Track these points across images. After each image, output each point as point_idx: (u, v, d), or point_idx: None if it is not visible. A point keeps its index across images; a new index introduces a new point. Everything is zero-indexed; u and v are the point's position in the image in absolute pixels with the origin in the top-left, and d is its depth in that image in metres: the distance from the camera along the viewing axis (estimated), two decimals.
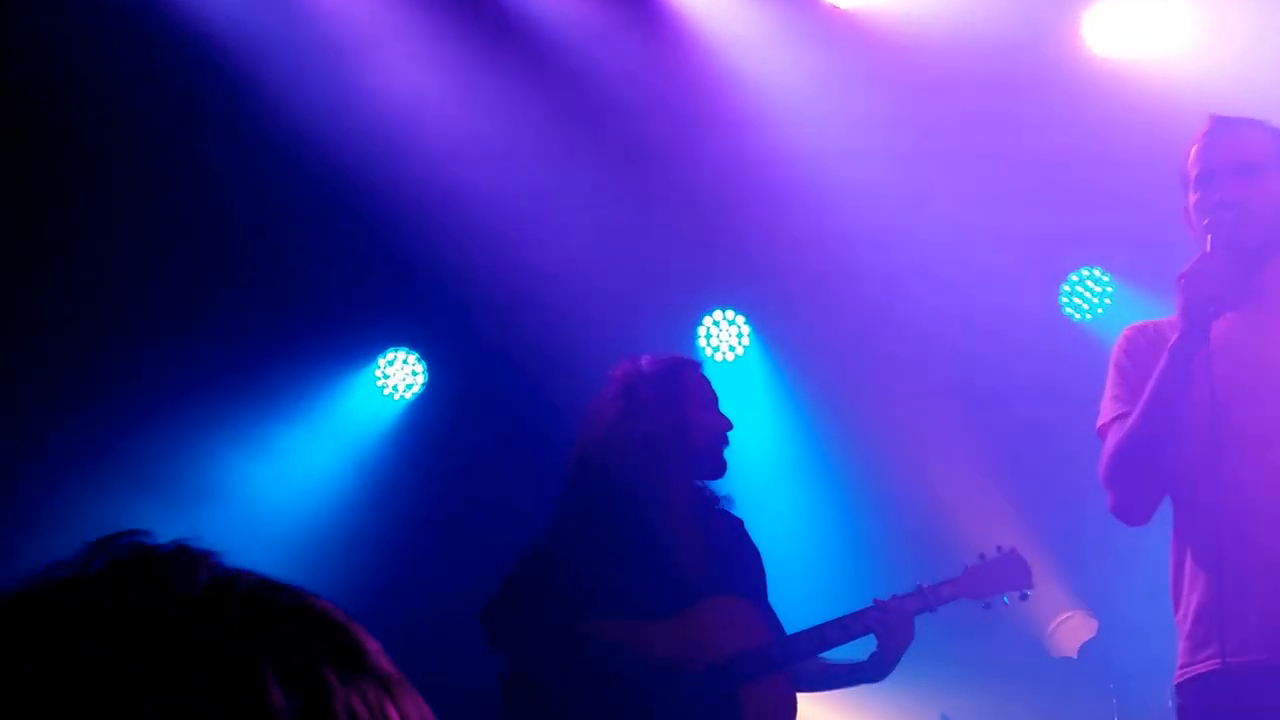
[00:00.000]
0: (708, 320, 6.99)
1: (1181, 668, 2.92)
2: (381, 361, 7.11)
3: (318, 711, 0.79)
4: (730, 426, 3.78)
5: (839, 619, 3.69)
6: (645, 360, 3.88)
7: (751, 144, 6.21)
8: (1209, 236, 2.91)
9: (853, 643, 3.75)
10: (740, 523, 3.88)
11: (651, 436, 3.69)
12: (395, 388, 7.10)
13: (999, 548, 3.86)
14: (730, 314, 7.00)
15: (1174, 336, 2.89)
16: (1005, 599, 3.80)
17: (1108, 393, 3.09)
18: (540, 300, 6.50)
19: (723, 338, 6.97)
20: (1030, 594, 3.86)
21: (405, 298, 6.84)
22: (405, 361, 7.12)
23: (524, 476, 6.56)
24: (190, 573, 0.81)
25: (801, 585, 6.04)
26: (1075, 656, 5.45)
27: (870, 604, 3.71)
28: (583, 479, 3.77)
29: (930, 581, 3.75)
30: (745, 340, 6.97)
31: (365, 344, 7.01)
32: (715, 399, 3.82)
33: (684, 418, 3.73)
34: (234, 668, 0.77)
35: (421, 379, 7.09)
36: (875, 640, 3.70)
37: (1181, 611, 2.94)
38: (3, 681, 0.73)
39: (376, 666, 0.83)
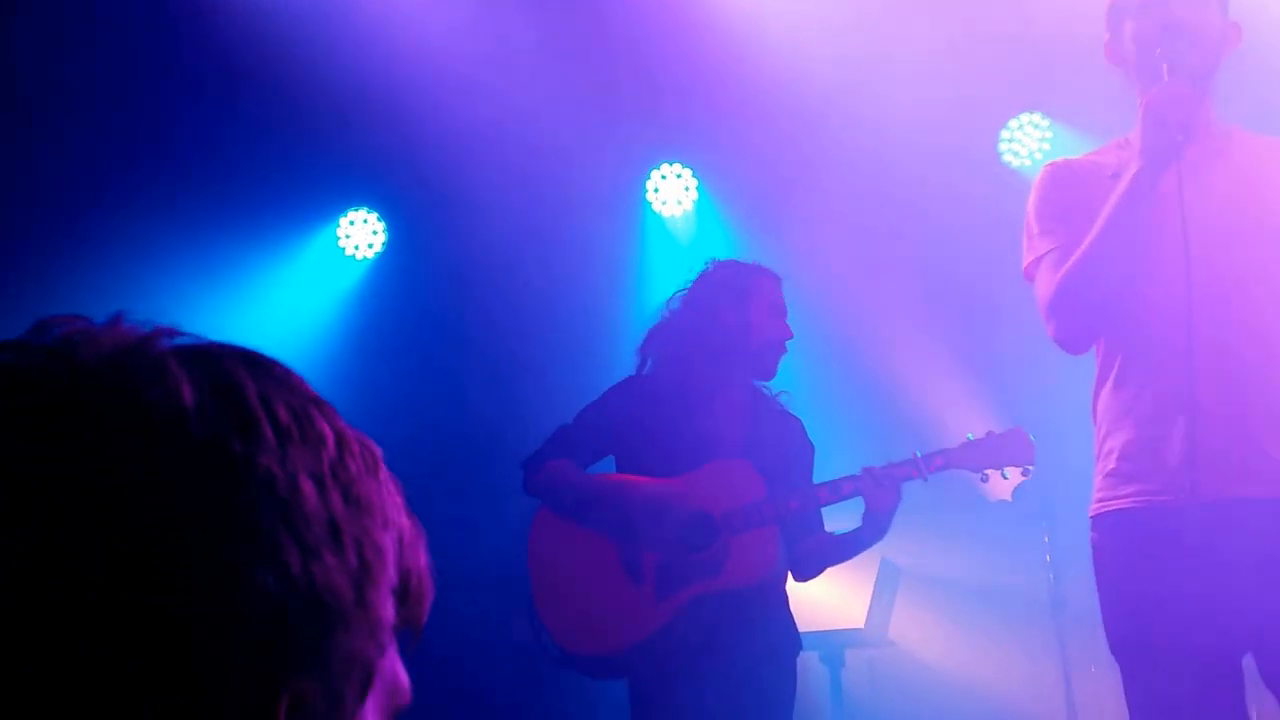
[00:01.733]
0: (656, 174, 7.01)
1: (1099, 501, 2.93)
2: (343, 221, 7.11)
3: (232, 402, 0.84)
4: (789, 337, 4.09)
5: (830, 481, 3.92)
6: (732, 264, 4.23)
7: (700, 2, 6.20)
8: (1165, 65, 2.85)
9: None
10: (799, 423, 4.19)
11: (717, 332, 4.04)
12: (356, 248, 7.13)
13: (1000, 428, 4.04)
14: (678, 168, 7.01)
15: (1136, 163, 2.82)
16: (1005, 474, 3.94)
17: (1033, 229, 3.04)
18: (493, 159, 6.52)
19: (670, 191, 7.00)
20: (1033, 470, 3.99)
21: (363, 159, 6.82)
22: (365, 221, 7.14)
23: (482, 334, 6.64)
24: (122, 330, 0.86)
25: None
26: (1010, 500, 5.59)
27: (860, 471, 3.91)
28: (654, 354, 4.15)
29: (925, 451, 3.91)
30: (693, 194, 6.99)
31: (325, 205, 7.02)
32: (784, 311, 4.13)
33: (748, 319, 4.05)
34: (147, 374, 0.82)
35: (382, 239, 7.10)
36: (864, 503, 3.90)
37: (1105, 445, 2.93)
38: None
39: (302, 388, 0.89)
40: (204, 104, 6.44)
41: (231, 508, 0.80)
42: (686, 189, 7.01)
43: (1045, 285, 2.96)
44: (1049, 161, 3.17)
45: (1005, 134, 6.63)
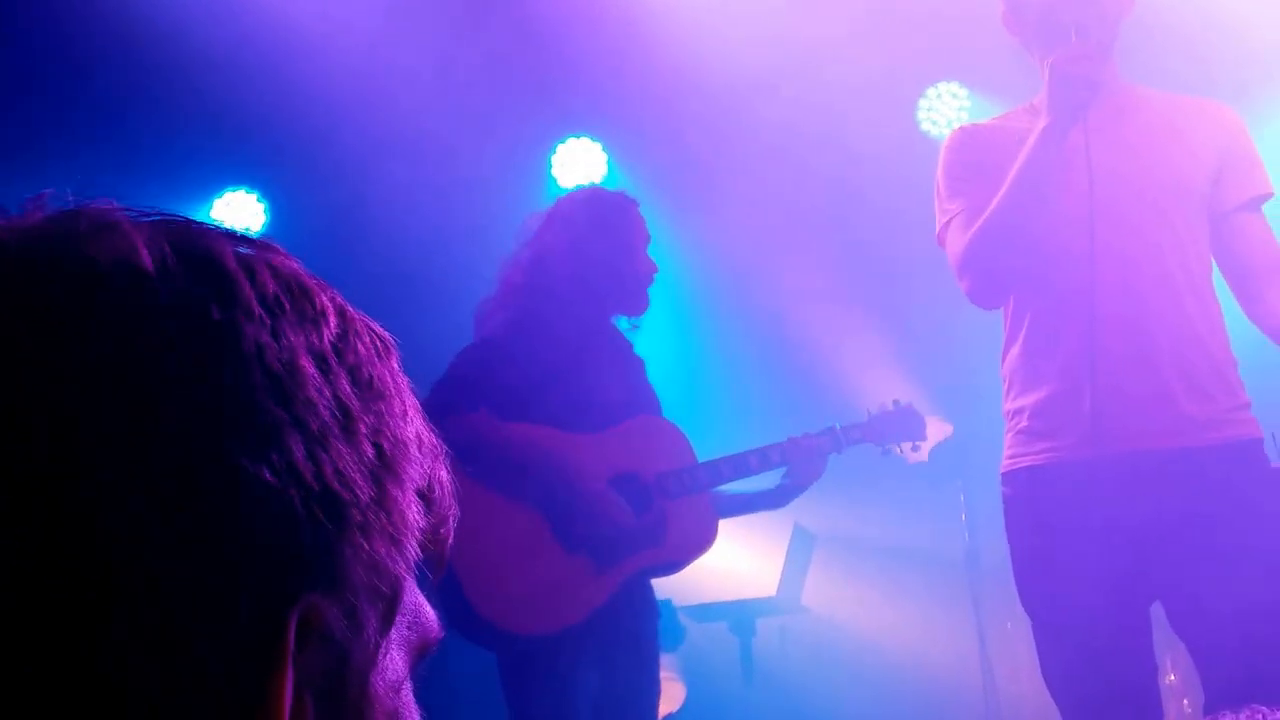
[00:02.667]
0: (562, 148, 6.90)
1: (1010, 458, 2.96)
2: (219, 201, 6.94)
3: (203, 265, 0.69)
4: (657, 269, 3.88)
5: (759, 449, 3.84)
6: (595, 191, 4.04)
7: None
8: (1074, 30, 2.90)
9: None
10: (642, 363, 3.97)
11: (595, 263, 3.78)
12: (234, 228, 6.96)
13: (896, 401, 4.12)
14: (586, 141, 6.91)
15: (1044, 120, 2.87)
16: (899, 449, 4.07)
17: (942, 193, 3.08)
18: (384, 134, 6.36)
19: (578, 166, 6.87)
20: (923, 445, 4.11)
21: (241, 135, 6.62)
22: (244, 201, 6.96)
23: (375, 317, 6.47)
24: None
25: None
26: (927, 460, 5.58)
27: (785, 440, 3.87)
28: (526, 289, 3.83)
29: (841, 424, 3.96)
30: (601, 168, 6.88)
31: (200, 184, 6.82)
32: (649, 239, 3.90)
33: (625, 252, 3.82)
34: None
35: (262, 219, 6.94)
36: (788, 472, 3.86)
37: (1019, 404, 2.96)
38: None
39: (295, 264, 0.76)
40: (64, 80, 6.17)
41: (215, 384, 0.65)
42: (594, 163, 6.88)
43: (956, 244, 3.00)
44: (958, 126, 3.25)
45: (924, 103, 6.61)
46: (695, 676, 5.84)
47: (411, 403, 0.77)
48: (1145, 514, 2.77)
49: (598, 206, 3.89)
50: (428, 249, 6.48)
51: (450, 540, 0.77)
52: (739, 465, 3.78)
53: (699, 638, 5.92)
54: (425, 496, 0.75)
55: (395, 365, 0.77)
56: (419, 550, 0.73)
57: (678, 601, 5.66)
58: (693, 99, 6.50)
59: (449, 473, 0.78)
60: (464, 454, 3.55)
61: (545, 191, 6.81)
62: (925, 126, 6.60)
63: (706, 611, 5.89)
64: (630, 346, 3.91)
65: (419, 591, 0.75)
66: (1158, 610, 2.91)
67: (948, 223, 3.05)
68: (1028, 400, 2.93)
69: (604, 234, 3.81)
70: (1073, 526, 2.82)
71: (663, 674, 3.78)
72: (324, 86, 6.17)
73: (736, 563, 6.19)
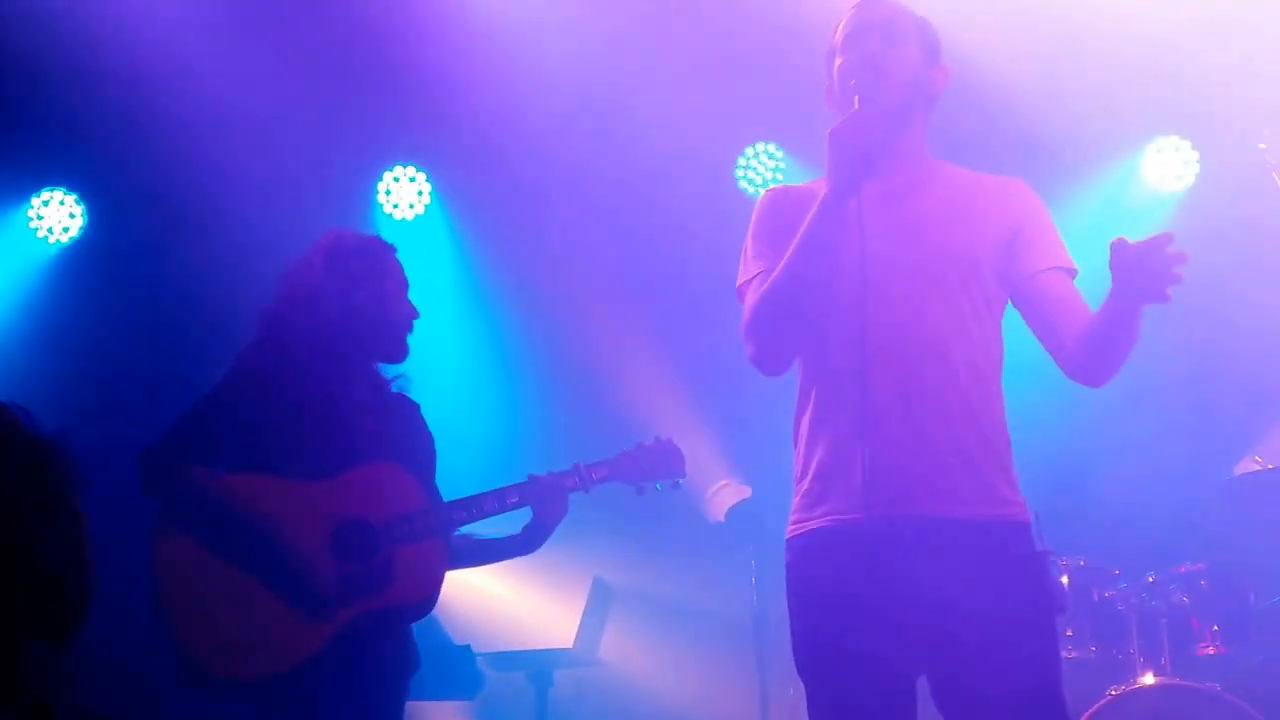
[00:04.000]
0: (388, 176, 6.88)
1: (794, 524, 2.96)
2: (35, 201, 6.75)
3: None
4: (417, 315, 3.79)
5: (495, 490, 3.74)
6: (351, 235, 3.87)
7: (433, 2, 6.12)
8: (856, 96, 2.91)
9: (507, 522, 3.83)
10: (417, 407, 3.88)
11: (349, 310, 3.68)
12: (50, 230, 6.82)
13: (656, 436, 3.94)
14: (411, 170, 6.90)
15: (824, 189, 2.87)
16: (659, 485, 3.85)
17: (748, 253, 3.08)
18: (209, 147, 6.26)
19: (403, 195, 6.88)
20: (683, 482, 3.93)
21: (59, 134, 6.47)
22: (62, 203, 6.79)
23: (189, 333, 6.36)
24: None
25: (467, 453, 6.07)
26: (724, 520, 5.65)
27: (526, 478, 3.76)
28: (272, 336, 3.72)
29: (586, 461, 3.81)
30: (425, 198, 6.89)
31: (15, 184, 6.63)
32: (407, 286, 3.82)
33: (381, 299, 3.73)
34: None
35: (80, 222, 6.78)
36: (531, 513, 3.76)
37: (801, 469, 2.98)
38: None
39: None
40: None
41: None
42: (420, 192, 6.88)
43: (746, 308, 3.01)
44: (770, 187, 3.24)
45: (742, 160, 6.71)
46: None
47: None
48: (915, 583, 2.78)
49: (341, 250, 3.80)
50: (249, 275, 6.37)
51: None
52: (474, 508, 3.69)
53: (497, 686, 5.88)
54: None
55: None
56: None
57: (477, 648, 5.63)
58: (518, 137, 6.53)
59: None
60: (182, 510, 3.53)
61: (371, 220, 6.81)
62: (742, 185, 6.69)
63: (505, 660, 5.86)
64: (395, 392, 3.84)
65: None
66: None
67: (746, 283, 3.05)
68: (810, 464, 2.94)
69: (355, 283, 3.73)
70: (845, 594, 2.83)
71: None
72: (158, 97, 6.13)
73: (536, 612, 6.18)
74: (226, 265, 6.28)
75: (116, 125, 6.27)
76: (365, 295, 3.72)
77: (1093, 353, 2.94)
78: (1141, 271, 2.69)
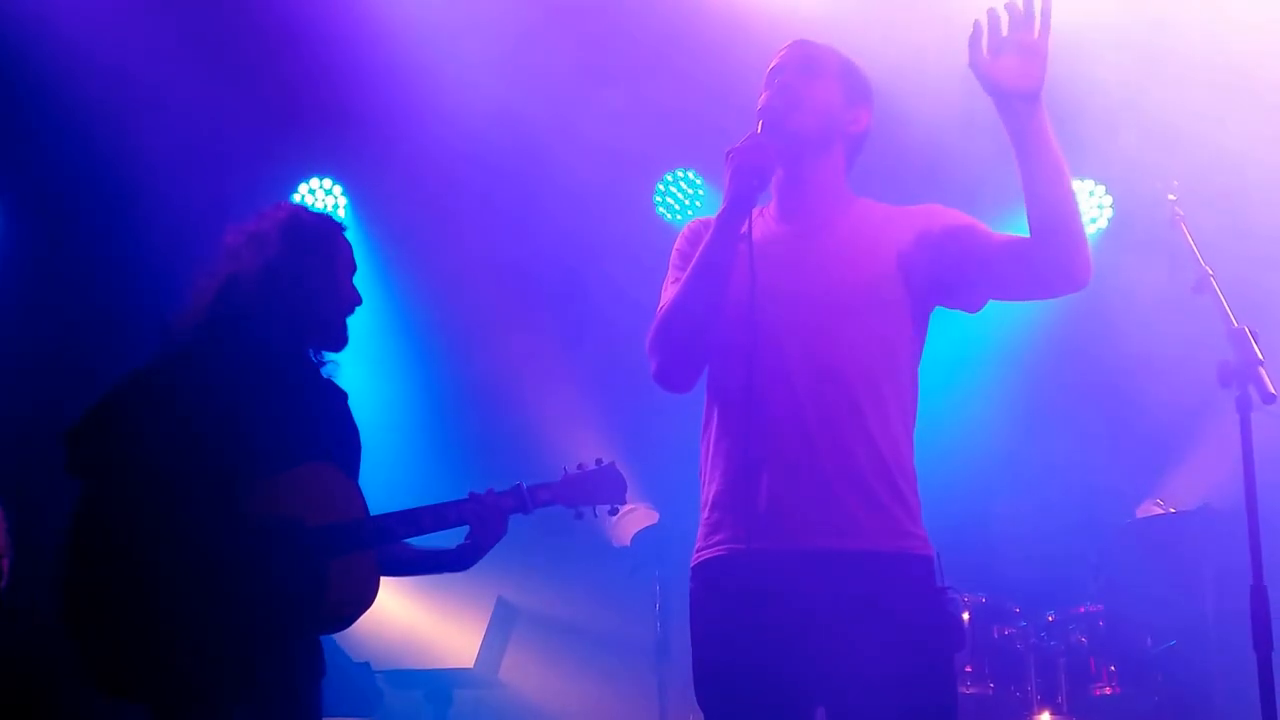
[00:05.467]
0: (303, 187, 6.84)
1: (697, 551, 2.96)
2: None
3: None
4: (361, 301, 3.63)
5: (435, 506, 3.58)
6: (307, 211, 3.70)
7: (350, 15, 6.11)
8: (760, 121, 2.93)
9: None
10: (345, 396, 3.73)
11: (305, 293, 3.51)
12: None
13: (599, 460, 3.79)
14: (327, 183, 6.86)
15: (721, 209, 2.88)
16: (596, 511, 3.72)
17: (667, 278, 3.09)
18: (129, 159, 6.16)
19: (318, 205, 6.80)
20: (621, 509, 3.78)
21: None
22: None
23: (101, 344, 6.22)
24: None
25: (385, 469, 6.01)
26: (630, 544, 5.64)
27: (467, 496, 3.63)
28: (218, 314, 3.51)
29: (530, 483, 3.65)
30: (341, 211, 6.83)
31: None
32: (354, 268, 3.66)
33: (332, 282, 3.57)
34: None
35: None
36: (468, 532, 3.64)
37: (704, 496, 2.98)
38: None
39: None
40: None
41: None
42: (335, 205, 6.85)
43: (652, 324, 3.01)
44: (695, 218, 3.23)
45: (661, 187, 6.75)
46: None
47: None
48: (810, 617, 2.78)
49: (298, 227, 3.60)
50: (169, 289, 6.27)
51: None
52: (411, 522, 3.53)
53: (396, 704, 5.82)
54: None
55: None
56: None
57: (376, 665, 5.57)
58: (435, 151, 6.51)
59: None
60: (110, 494, 3.34)
61: None
62: (660, 210, 6.74)
63: (404, 678, 5.81)
64: (327, 380, 3.67)
65: None
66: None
67: (662, 307, 3.04)
68: (711, 492, 2.95)
69: (303, 257, 3.54)
70: (743, 626, 2.82)
71: None
72: (69, 109, 6.04)
73: (437, 631, 6.14)
74: (145, 277, 6.17)
75: (25, 133, 6.16)
76: (319, 278, 3.56)
77: (1038, 215, 2.82)
78: (1002, 56, 2.72)
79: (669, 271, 3.11)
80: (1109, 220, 6.43)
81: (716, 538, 2.91)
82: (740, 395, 2.89)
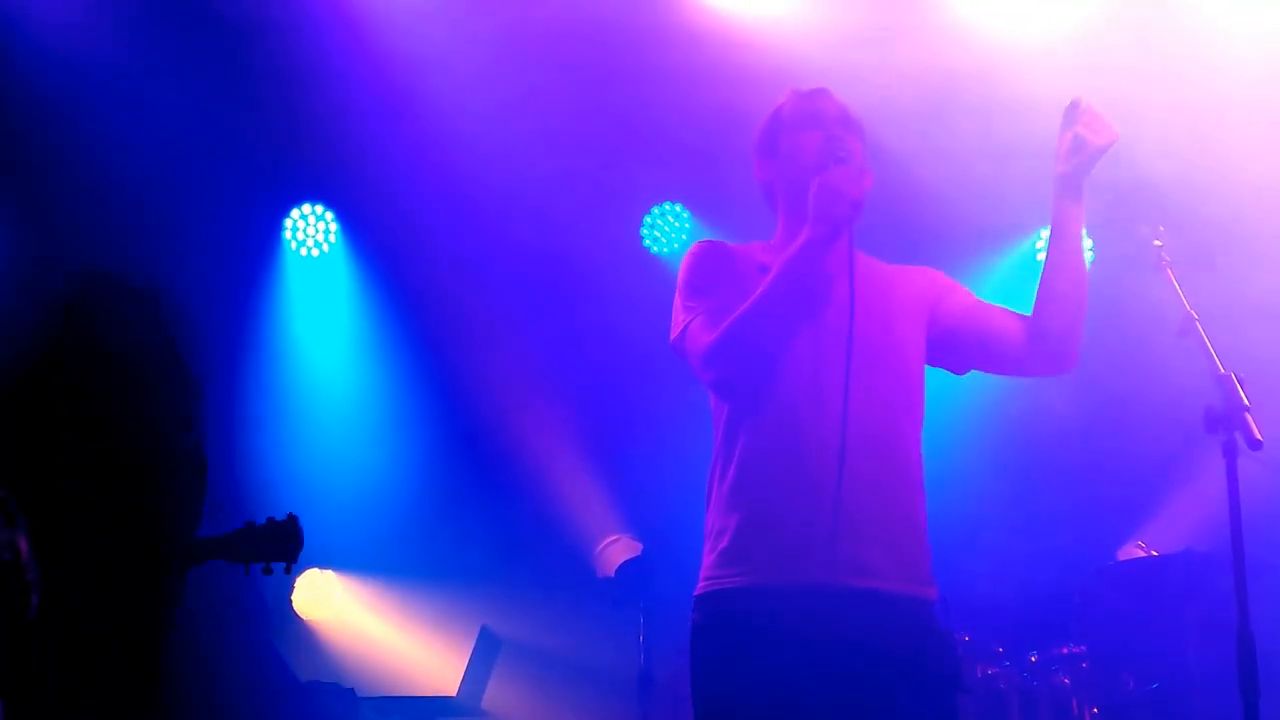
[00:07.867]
0: (295, 213, 6.88)
1: (707, 580, 2.93)
2: None
3: None
4: None
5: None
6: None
7: (343, 46, 6.14)
8: (838, 157, 2.94)
9: None
10: None
11: None
12: None
13: (271, 518, 3.45)
14: (319, 209, 6.90)
15: (807, 232, 2.86)
16: (269, 568, 3.42)
17: (685, 295, 3.05)
18: (121, 187, 6.17)
19: (309, 232, 6.89)
20: (292, 568, 3.48)
21: None
22: None
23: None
24: None
25: (372, 493, 6.04)
26: (614, 575, 5.64)
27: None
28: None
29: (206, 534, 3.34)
30: (332, 237, 6.91)
31: None
32: None
33: None
34: None
35: None
36: None
37: (719, 525, 2.94)
38: None
39: None
40: None
41: None
42: (327, 231, 6.90)
43: (702, 337, 2.96)
44: (701, 240, 3.21)
45: (648, 220, 6.82)
46: None
47: None
48: (827, 649, 2.79)
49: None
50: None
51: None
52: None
53: None
54: None
55: None
56: None
57: (360, 692, 5.56)
58: (426, 182, 6.55)
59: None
60: None
61: (280, 258, 6.83)
62: (648, 243, 6.80)
63: (387, 705, 5.79)
64: None
65: None
66: None
67: (686, 324, 3.01)
68: (732, 520, 2.91)
69: None
70: (754, 655, 2.81)
71: None
72: (58, 137, 6.04)
73: (421, 659, 6.13)
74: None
75: (25, 159, 6.17)
76: None
77: (1052, 312, 2.99)
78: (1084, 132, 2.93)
79: (683, 292, 3.06)
80: (1089, 263, 6.44)
81: (739, 568, 2.88)
82: (811, 430, 2.87)
